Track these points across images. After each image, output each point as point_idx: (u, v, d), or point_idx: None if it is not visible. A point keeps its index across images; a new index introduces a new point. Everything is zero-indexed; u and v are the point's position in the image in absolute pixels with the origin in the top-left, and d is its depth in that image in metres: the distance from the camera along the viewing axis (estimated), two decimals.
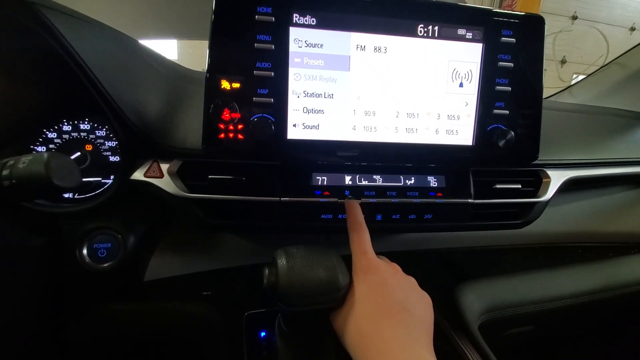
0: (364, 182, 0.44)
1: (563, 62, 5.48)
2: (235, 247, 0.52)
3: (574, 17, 5.85)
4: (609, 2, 5.94)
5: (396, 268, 0.37)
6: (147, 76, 0.44)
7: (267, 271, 0.33)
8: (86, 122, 0.46)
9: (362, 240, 0.37)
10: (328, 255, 0.35)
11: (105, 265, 0.42)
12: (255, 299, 0.50)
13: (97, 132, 0.47)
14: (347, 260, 0.38)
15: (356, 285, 0.34)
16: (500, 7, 5.22)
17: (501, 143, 0.43)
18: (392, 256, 0.39)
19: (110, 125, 0.43)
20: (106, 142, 0.47)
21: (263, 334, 0.46)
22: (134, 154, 0.41)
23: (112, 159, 0.47)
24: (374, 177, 0.44)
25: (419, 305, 0.34)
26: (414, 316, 0.32)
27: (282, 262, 0.33)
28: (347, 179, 0.44)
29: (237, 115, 0.39)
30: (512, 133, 0.43)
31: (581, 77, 1.14)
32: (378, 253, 0.38)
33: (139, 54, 0.46)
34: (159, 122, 0.42)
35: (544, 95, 0.46)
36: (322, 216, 0.44)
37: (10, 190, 0.26)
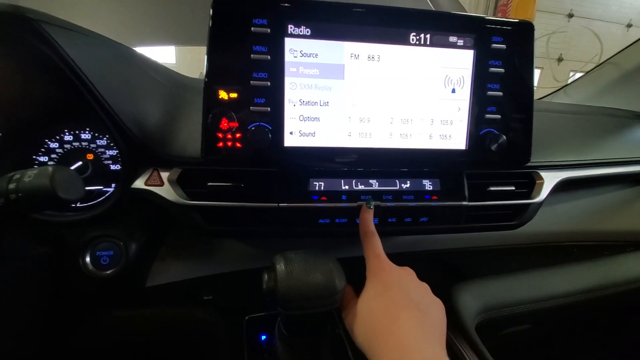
0: (360, 187, 0.45)
1: (560, 60, 5.49)
2: (235, 252, 0.53)
3: (570, 15, 5.88)
4: None
5: (409, 272, 0.37)
6: (146, 86, 0.45)
7: (266, 276, 0.34)
8: (87, 132, 0.47)
9: (374, 246, 0.39)
10: (325, 259, 0.36)
11: (108, 272, 0.43)
12: (255, 303, 0.50)
13: (97, 141, 0.48)
14: (345, 264, 0.39)
15: (370, 285, 0.35)
16: (495, 6, 5.25)
17: (494, 147, 0.44)
18: (389, 258, 0.39)
19: (111, 135, 0.44)
20: (107, 151, 0.48)
21: (263, 337, 0.47)
22: (135, 163, 0.42)
23: (113, 167, 0.48)
24: (370, 181, 0.45)
25: (433, 308, 0.34)
26: (429, 317, 0.32)
27: (280, 267, 0.34)
28: (344, 184, 0.45)
29: (235, 124, 0.40)
30: (504, 137, 0.44)
31: (578, 74, 1.15)
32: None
33: (136, 63, 0.47)
34: (159, 131, 0.43)
35: (539, 95, 0.47)
36: (320, 221, 0.45)
37: (16, 203, 0.27)
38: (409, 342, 0.29)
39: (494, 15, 3.53)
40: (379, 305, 0.32)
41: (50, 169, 0.27)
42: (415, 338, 0.29)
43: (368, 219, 0.41)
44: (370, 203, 0.43)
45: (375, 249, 0.38)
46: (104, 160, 0.48)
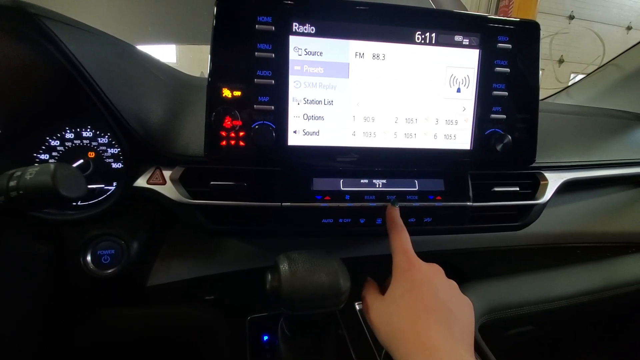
0: (364, 187, 0.45)
1: (560, 61, 5.50)
2: (237, 252, 0.53)
3: (571, 17, 5.89)
4: (605, 1, 5.98)
5: (438, 269, 0.36)
6: (148, 84, 0.45)
7: (269, 276, 0.33)
8: (88, 130, 0.47)
9: (402, 240, 0.38)
10: (329, 259, 0.35)
11: (109, 271, 0.42)
12: (257, 303, 0.50)
13: (99, 139, 0.47)
14: (348, 264, 0.38)
15: (397, 282, 0.34)
16: (497, 7, 5.26)
17: (499, 147, 0.44)
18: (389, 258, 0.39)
19: (113, 133, 0.44)
20: (108, 149, 0.48)
21: (266, 337, 0.46)
22: (137, 161, 0.42)
23: (114, 165, 0.47)
24: (374, 181, 0.45)
25: (462, 308, 0.33)
26: (458, 318, 0.32)
27: (284, 267, 0.33)
28: (347, 184, 0.44)
29: (239, 123, 0.39)
30: (509, 137, 0.44)
31: (579, 76, 1.15)
32: (379, 255, 0.38)
33: (139, 61, 0.46)
34: (161, 129, 0.43)
35: (541, 96, 0.47)
36: (323, 220, 0.44)
37: (17, 201, 0.27)
38: (437, 344, 0.28)
39: (496, 15, 3.53)
40: (407, 304, 0.32)
41: (52, 166, 0.27)
42: (442, 339, 0.29)
43: (395, 213, 0.41)
44: (395, 203, 0.42)
45: (403, 243, 0.37)
46: (105, 158, 0.47)
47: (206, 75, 0.39)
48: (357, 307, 0.50)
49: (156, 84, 0.46)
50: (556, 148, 0.55)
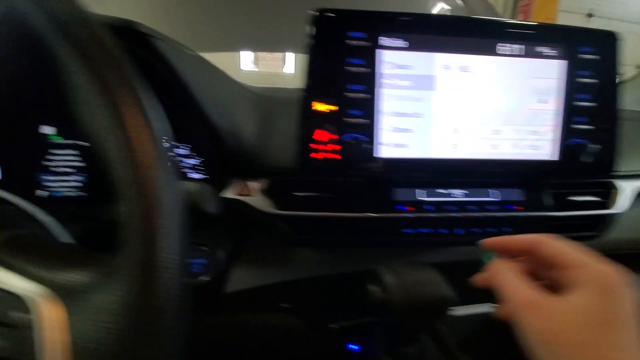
0: (445, 197, 0.45)
1: None
2: (313, 258, 0.53)
3: (590, 15, 5.77)
4: None
5: (627, 276, 0.29)
6: (235, 99, 0.46)
7: (376, 288, 0.34)
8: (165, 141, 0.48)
9: (570, 246, 0.27)
10: (431, 270, 0.36)
11: (201, 279, 0.43)
12: (335, 311, 0.51)
13: (176, 150, 0.49)
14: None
15: (586, 283, 0.25)
16: (516, 5, 5.18)
17: (582, 157, 0.44)
18: (458, 267, 0.37)
19: (202, 147, 0.45)
20: (186, 159, 0.49)
21: (354, 347, 0.47)
22: (227, 174, 0.43)
23: (190, 176, 0.49)
24: (455, 191, 0.45)
25: None
26: None
27: (390, 278, 0.34)
28: (429, 194, 0.45)
29: (330, 136, 0.40)
30: (592, 147, 0.44)
31: None
32: (441, 263, 0.38)
33: (224, 78, 0.48)
34: (251, 143, 0.44)
35: None
36: (403, 230, 0.45)
37: None
38: None
39: (515, 15, 3.49)
40: (602, 315, 0.24)
41: (191, 185, 0.28)
42: None
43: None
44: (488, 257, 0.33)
45: (577, 247, 0.27)
46: (183, 169, 0.49)
47: None
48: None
49: (241, 99, 0.47)
50: (629, 155, 0.54)
